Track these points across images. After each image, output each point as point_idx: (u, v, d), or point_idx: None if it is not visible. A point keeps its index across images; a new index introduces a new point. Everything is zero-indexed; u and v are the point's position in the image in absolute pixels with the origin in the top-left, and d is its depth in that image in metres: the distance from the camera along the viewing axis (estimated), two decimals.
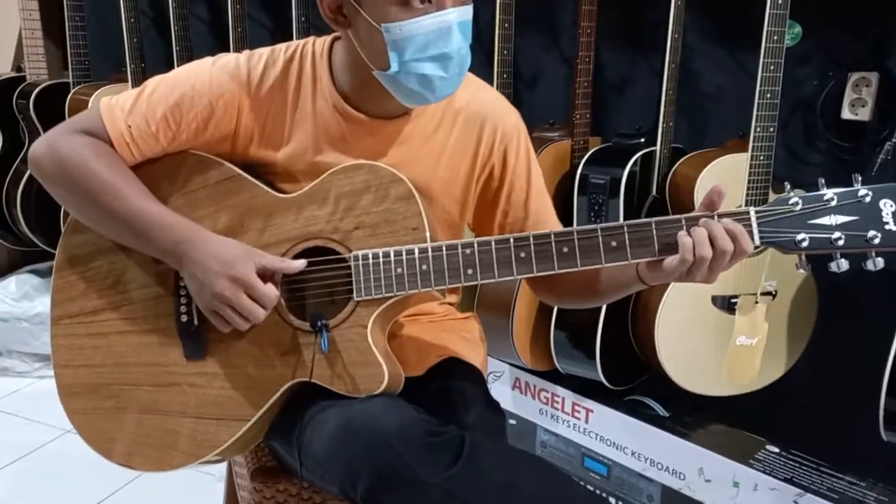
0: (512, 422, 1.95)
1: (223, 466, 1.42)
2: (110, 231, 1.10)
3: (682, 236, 0.95)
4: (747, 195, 1.58)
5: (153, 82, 1.11)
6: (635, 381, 1.84)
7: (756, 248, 0.98)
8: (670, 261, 0.97)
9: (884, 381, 1.44)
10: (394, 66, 1.01)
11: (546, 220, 1.19)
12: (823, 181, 0.97)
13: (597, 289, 1.12)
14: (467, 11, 1.02)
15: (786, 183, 1.00)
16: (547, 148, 1.81)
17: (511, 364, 1.94)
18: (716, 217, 0.97)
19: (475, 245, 1.02)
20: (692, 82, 1.84)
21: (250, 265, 1.02)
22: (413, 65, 1.00)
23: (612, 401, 1.80)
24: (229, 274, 1.01)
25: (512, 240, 1.01)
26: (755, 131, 1.55)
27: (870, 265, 0.95)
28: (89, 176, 1.05)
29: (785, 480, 1.54)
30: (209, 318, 1.05)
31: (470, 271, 1.02)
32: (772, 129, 1.56)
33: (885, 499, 1.50)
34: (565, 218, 1.81)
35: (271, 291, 1.02)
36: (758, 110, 1.54)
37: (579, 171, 1.76)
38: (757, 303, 1.63)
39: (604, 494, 1.81)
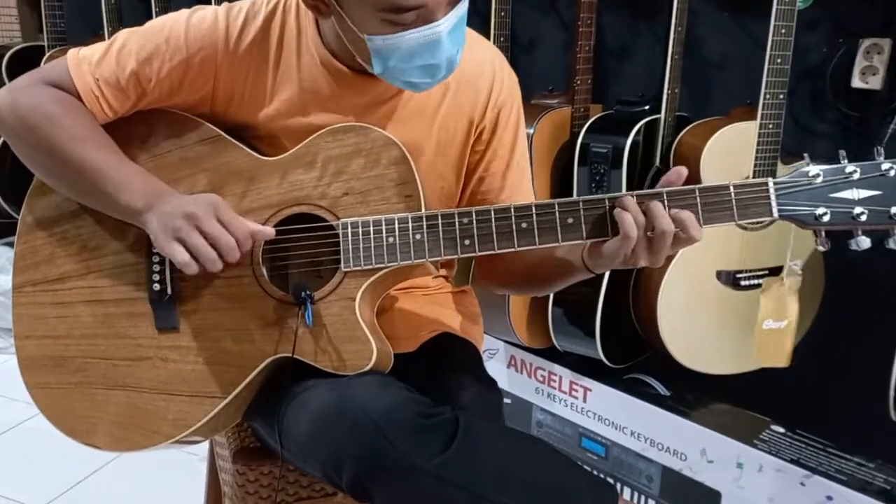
0: (507, 401, 1.92)
1: (206, 446, 1.36)
2: (76, 190, 1.04)
3: (621, 213, 0.91)
4: (755, 165, 1.55)
5: (124, 35, 1.05)
6: (635, 359, 1.81)
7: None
8: (611, 242, 0.93)
9: (895, 361, 1.40)
10: (377, 69, 0.96)
11: (520, 197, 1.14)
12: (844, 153, 0.93)
13: (539, 275, 1.09)
14: (458, 12, 0.94)
15: (805, 154, 0.96)
16: (546, 115, 1.75)
17: (506, 341, 1.91)
18: (731, 188, 0.92)
19: (473, 214, 0.96)
20: (696, 48, 1.79)
21: (223, 202, 0.97)
22: (397, 72, 0.96)
23: (611, 379, 1.77)
24: (200, 199, 0.96)
25: (513, 209, 0.96)
26: (764, 98, 1.52)
27: (892, 243, 0.91)
28: (55, 130, 0.99)
29: (791, 461, 1.52)
30: (172, 256, 0.96)
31: (467, 242, 0.96)
32: (781, 97, 1.52)
33: (894, 480, 1.48)
34: (565, 189, 1.76)
35: (241, 221, 0.95)
36: (768, 76, 1.51)
37: (580, 139, 1.71)
38: (784, 282, 1.58)
39: (604, 476, 1.77)
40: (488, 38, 1.81)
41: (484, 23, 1.83)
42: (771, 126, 1.52)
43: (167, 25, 1.03)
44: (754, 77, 1.52)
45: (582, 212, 0.94)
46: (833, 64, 1.67)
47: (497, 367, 1.93)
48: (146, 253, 1.04)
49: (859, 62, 1.64)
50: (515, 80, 1.14)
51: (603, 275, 1.66)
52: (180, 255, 0.94)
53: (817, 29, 1.67)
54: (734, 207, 0.92)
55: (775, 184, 0.92)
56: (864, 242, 0.91)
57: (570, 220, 0.94)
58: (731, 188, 0.92)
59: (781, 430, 1.61)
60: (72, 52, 1.04)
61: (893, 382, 1.41)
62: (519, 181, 1.14)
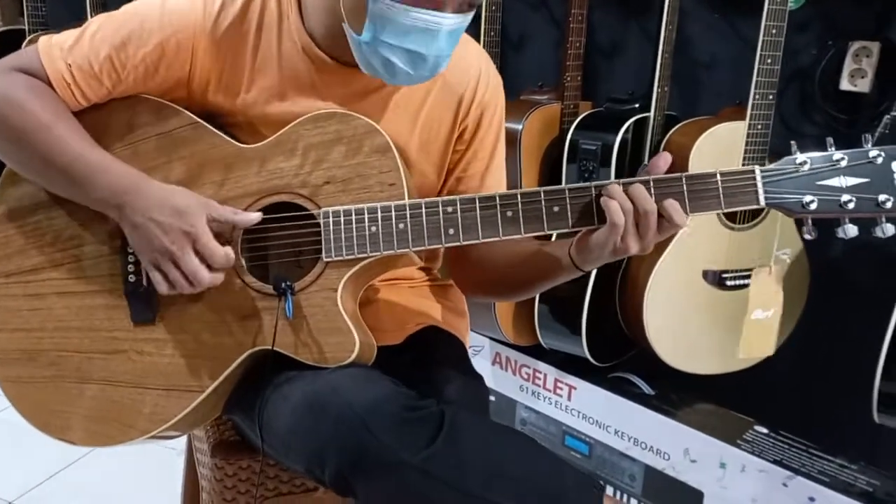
0: (491, 398, 1.90)
1: (184, 440, 1.34)
2: (46, 180, 1.01)
3: (607, 201, 0.90)
4: (743, 166, 1.53)
5: (98, 20, 1.01)
6: (621, 358, 1.79)
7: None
8: (599, 233, 0.91)
9: (879, 363, 1.40)
10: (365, 37, 0.93)
11: None
12: (832, 140, 0.92)
13: (522, 278, 1.07)
14: (463, 21, 0.93)
15: (792, 142, 0.94)
16: (535, 111, 1.74)
17: (492, 338, 1.89)
18: (718, 175, 0.90)
19: (457, 203, 0.94)
20: (687, 47, 1.78)
21: (201, 217, 0.93)
22: (384, 47, 0.93)
23: (596, 378, 1.76)
24: (176, 226, 0.92)
25: (498, 197, 0.94)
26: (754, 99, 1.51)
27: (878, 232, 0.91)
28: (24, 117, 0.96)
29: (774, 462, 1.51)
30: (151, 274, 0.96)
31: (451, 231, 0.94)
32: (771, 97, 1.51)
33: (876, 482, 1.47)
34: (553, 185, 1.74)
35: (220, 251, 0.93)
36: (757, 76, 1.50)
37: (569, 136, 1.69)
38: (770, 272, 1.58)
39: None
40: (478, 33, 1.79)
41: (474, 18, 1.81)
42: (759, 126, 1.52)
43: (142, 10, 1.00)
44: (744, 77, 1.51)
45: (568, 200, 0.92)
46: (822, 66, 1.66)
47: (482, 363, 1.91)
48: (121, 244, 1.01)
49: (848, 65, 1.63)
50: (500, 83, 1.13)
51: (590, 273, 1.65)
52: (162, 287, 0.95)
53: (808, 30, 1.67)
54: (721, 195, 0.91)
55: (762, 171, 0.91)
56: (852, 230, 0.91)
57: (556, 209, 0.92)
58: (718, 176, 0.91)
59: (765, 430, 1.60)
60: (43, 38, 1.01)
61: (877, 384, 1.40)
62: (497, 185, 1.13)
